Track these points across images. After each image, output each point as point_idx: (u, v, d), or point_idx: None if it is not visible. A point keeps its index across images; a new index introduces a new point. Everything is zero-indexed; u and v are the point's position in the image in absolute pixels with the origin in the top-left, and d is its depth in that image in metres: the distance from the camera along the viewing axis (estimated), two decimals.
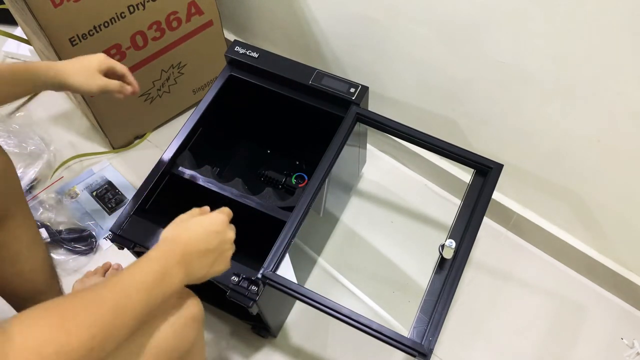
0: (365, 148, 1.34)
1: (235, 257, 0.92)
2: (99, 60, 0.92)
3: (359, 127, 1.08)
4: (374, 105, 1.23)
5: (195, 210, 0.71)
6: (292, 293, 0.84)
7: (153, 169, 1.01)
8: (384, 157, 1.44)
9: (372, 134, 1.40)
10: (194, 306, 0.74)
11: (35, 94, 1.56)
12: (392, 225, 1.32)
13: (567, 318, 1.19)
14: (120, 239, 0.95)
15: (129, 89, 0.98)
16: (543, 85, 0.98)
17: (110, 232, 0.96)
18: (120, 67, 0.97)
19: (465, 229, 0.92)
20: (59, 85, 0.89)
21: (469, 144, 1.22)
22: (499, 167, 0.97)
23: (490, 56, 1.01)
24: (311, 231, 1.12)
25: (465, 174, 1.30)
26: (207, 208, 0.73)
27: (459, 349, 1.15)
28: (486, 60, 1.03)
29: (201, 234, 0.66)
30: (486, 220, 1.34)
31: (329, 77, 1.06)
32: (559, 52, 0.91)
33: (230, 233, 0.70)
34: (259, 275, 0.86)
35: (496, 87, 1.06)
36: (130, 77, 0.99)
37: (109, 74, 0.95)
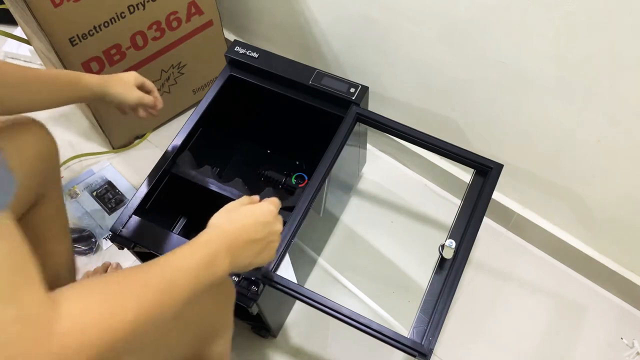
0: (365, 148, 1.34)
1: None
2: (134, 76, 0.99)
3: (359, 127, 1.08)
4: (374, 105, 1.23)
5: (244, 198, 0.70)
6: (292, 293, 0.84)
7: (153, 169, 1.01)
8: (384, 157, 1.44)
9: (372, 134, 1.40)
10: (230, 285, 0.79)
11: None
12: (392, 225, 1.32)
13: (567, 318, 1.19)
14: (120, 238, 0.95)
15: (159, 104, 1.05)
16: (543, 85, 0.98)
17: (110, 232, 0.96)
18: (149, 84, 1.03)
19: (465, 229, 0.92)
20: (101, 94, 0.93)
21: (469, 143, 1.22)
22: (499, 167, 0.97)
23: (490, 56, 1.01)
24: (311, 231, 1.12)
25: (465, 174, 1.30)
26: (256, 197, 0.72)
27: (459, 349, 1.15)
28: (486, 60, 1.03)
29: (250, 224, 0.64)
30: (486, 220, 1.34)
31: (329, 77, 1.06)
32: (558, 52, 0.91)
33: (278, 224, 0.69)
34: (259, 276, 0.86)
35: (496, 87, 1.06)
36: (156, 92, 1.05)
37: (140, 89, 1.01)
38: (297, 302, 1.18)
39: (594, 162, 1.03)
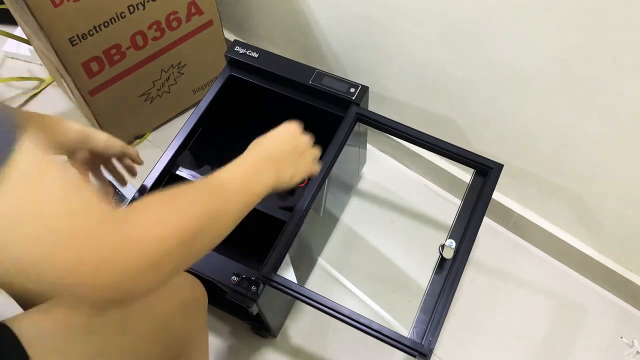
0: (365, 148, 1.34)
1: (234, 257, 0.92)
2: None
3: (359, 127, 1.08)
4: (374, 105, 1.23)
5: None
6: (292, 293, 0.84)
7: (153, 169, 1.01)
8: (384, 157, 1.44)
9: (372, 134, 1.40)
10: (199, 291, 0.77)
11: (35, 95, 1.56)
12: (393, 225, 1.32)
13: (567, 318, 1.19)
14: None
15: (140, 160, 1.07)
16: (543, 85, 0.98)
17: None
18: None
19: (466, 229, 0.92)
20: (85, 137, 0.84)
21: (469, 143, 1.22)
22: (499, 167, 0.97)
23: (490, 56, 1.01)
24: (311, 231, 1.13)
25: (465, 174, 1.30)
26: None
27: (459, 349, 1.15)
28: (486, 60, 1.03)
29: (280, 139, 0.71)
30: (486, 220, 1.34)
31: (329, 77, 1.06)
32: (558, 51, 0.91)
33: (304, 137, 0.74)
34: (259, 275, 0.86)
35: (496, 86, 1.06)
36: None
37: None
38: (297, 302, 1.18)
39: (594, 162, 1.03)
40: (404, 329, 1.13)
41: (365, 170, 1.40)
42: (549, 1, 0.86)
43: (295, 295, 0.84)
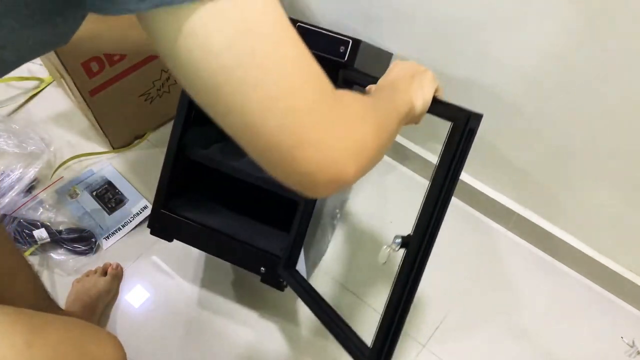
0: None
1: (259, 235, 1.01)
2: None
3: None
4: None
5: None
6: (302, 294, 0.89)
7: (165, 160, 1.04)
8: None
9: None
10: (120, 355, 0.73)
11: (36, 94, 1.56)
12: (392, 225, 1.32)
13: (567, 318, 1.19)
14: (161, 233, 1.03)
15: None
16: (543, 86, 0.98)
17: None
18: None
19: (431, 215, 0.80)
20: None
21: (473, 144, 1.22)
22: (478, 117, 0.71)
23: (491, 56, 1.01)
24: (312, 231, 1.12)
25: (463, 173, 1.30)
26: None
27: (458, 349, 1.15)
28: (485, 60, 1.03)
29: (396, 72, 0.72)
30: (486, 220, 1.34)
31: (314, 32, 0.87)
32: (558, 51, 0.92)
33: (410, 61, 0.74)
34: (280, 271, 0.94)
35: (496, 87, 1.06)
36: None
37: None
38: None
39: (594, 162, 1.03)
40: (403, 330, 1.13)
41: None
42: (549, 1, 0.85)
43: (303, 297, 0.88)
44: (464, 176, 1.31)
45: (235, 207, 1.13)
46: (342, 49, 0.85)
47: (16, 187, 1.31)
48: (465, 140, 0.69)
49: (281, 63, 0.36)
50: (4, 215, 1.25)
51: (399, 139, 1.38)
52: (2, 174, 1.33)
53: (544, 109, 1.03)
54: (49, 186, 1.37)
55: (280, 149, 0.37)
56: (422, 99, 0.68)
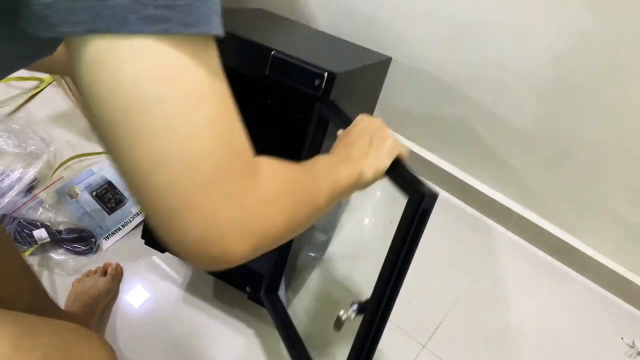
0: None
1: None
2: None
3: None
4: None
5: None
6: (275, 320, 0.93)
7: None
8: None
9: None
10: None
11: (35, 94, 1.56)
12: (392, 225, 1.32)
13: (567, 318, 1.19)
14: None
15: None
16: (543, 86, 0.98)
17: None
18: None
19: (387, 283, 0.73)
20: None
21: (474, 144, 1.22)
22: (433, 197, 0.66)
23: (491, 56, 1.01)
24: (310, 233, 1.12)
25: (464, 174, 1.30)
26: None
27: (458, 349, 1.15)
28: (486, 61, 1.03)
29: (350, 136, 0.68)
30: (486, 220, 1.34)
31: (289, 62, 0.79)
32: (558, 51, 0.92)
33: (374, 121, 0.71)
34: (262, 295, 0.95)
35: (495, 87, 1.06)
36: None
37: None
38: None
39: (594, 162, 1.03)
40: (404, 330, 1.13)
41: None
42: (549, 1, 0.86)
43: (278, 328, 0.93)
44: (463, 175, 1.31)
45: None
46: (317, 82, 0.77)
47: (16, 187, 1.31)
48: (418, 219, 0.65)
49: (191, 121, 0.34)
50: (4, 215, 1.25)
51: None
52: (2, 174, 1.33)
53: (544, 108, 1.03)
54: (49, 186, 1.37)
55: (164, 208, 0.34)
56: (374, 168, 0.65)
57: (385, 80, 1.25)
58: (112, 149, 0.34)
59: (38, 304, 0.98)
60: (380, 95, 1.29)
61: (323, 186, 0.53)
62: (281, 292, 0.99)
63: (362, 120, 0.70)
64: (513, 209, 1.26)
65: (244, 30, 0.88)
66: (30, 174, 1.35)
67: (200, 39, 0.34)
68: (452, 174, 1.31)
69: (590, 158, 1.03)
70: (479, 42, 1.01)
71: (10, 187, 1.31)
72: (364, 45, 1.20)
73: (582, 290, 1.24)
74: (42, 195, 1.34)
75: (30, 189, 1.35)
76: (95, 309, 1.11)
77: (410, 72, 1.18)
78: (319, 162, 0.57)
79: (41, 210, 1.30)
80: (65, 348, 0.65)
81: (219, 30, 0.35)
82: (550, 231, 1.23)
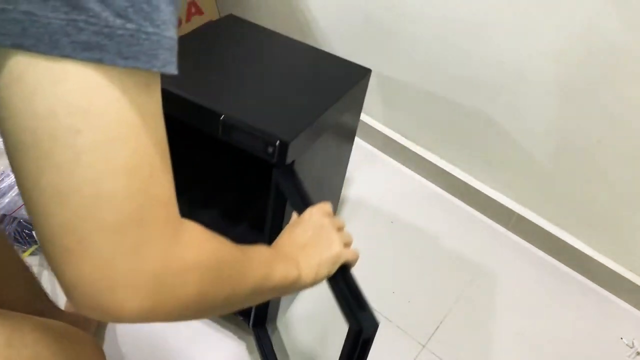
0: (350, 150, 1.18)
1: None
2: None
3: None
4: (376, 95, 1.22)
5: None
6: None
7: None
8: (380, 155, 1.43)
9: (363, 127, 1.40)
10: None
11: None
12: (392, 225, 1.32)
13: (567, 318, 1.19)
14: None
15: None
16: (542, 86, 0.98)
17: None
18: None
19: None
20: None
21: (473, 143, 1.22)
22: (372, 329, 0.61)
23: (491, 56, 1.01)
24: None
25: (459, 171, 1.30)
26: (294, 216, 0.70)
27: (458, 349, 1.15)
28: (485, 60, 1.03)
29: (295, 233, 0.64)
30: (486, 220, 1.34)
31: (239, 127, 0.74)
32: (558, 50, 0.91)
33: (324, 219, 0.66)
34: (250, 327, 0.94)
35: (495, 87, 1.06)
36: None
37: None
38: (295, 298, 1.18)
39: (594, 162, 1.03)
40: (404, 330, 1.13)
41: (360, 169, 1.39)
42: (549, 1, 0.86)
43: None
44: (464, 175, 1.31)
45: None
46: (270, 149, 0.73)
47: (16, 187, 1.31)
48: (360, 350, 0.60)
49: (104, 161, 0.30)
50: (4, 215, 1.25)
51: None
52: (2, 173, 1.33)
53: (545, 108, 1.03)
54: None
55: (59, 245, 0.31)
56: (314, 276, 0.60)
57: (385, 80, 1.25)
58: (16, 169, 0.32)
59: (38, 305, 0.98)
60: (380, 94, 1.29)
61: (252, 275, 0.48)
62: (269, 324, 0.99)
63: (309, 218, 0.65)
64: (513, 209, 1.26)
65: (192, 84, 0.81)
66: None
67: (138, 75, 0.31)
68: (452, 174, 1.32)
69: (591, 158, 1.03)
70: (479, 41, 1.01)
71: (10, 187, 1.31)
72: (366, 42, 1.20)
73: (582, 290, 1.24)
74: None
75: None
76: None
77: (411, 71, 1.18)
78: (257, 251, 0.52)
79: None
80: (56, 346, 0.64)
81: (166, 68, 0.32)
82: (550, 231, 1.23)
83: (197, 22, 1.30)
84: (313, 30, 1.31)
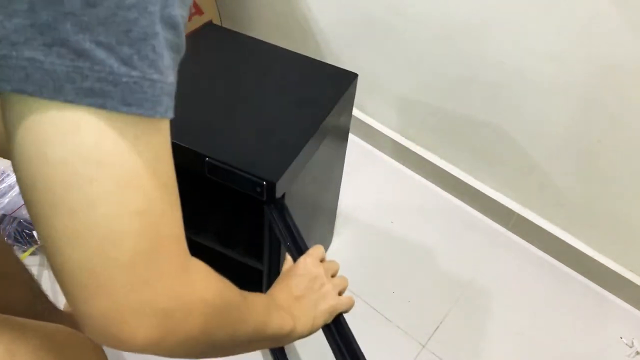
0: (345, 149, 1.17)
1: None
2: None
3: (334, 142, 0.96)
4: (365, 96, 1.22)
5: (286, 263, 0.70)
6: None
7: None
8: (376, 152, 1.43)
9: (359, 125, 1.40)
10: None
11: None
12: (392, 225, 1.32)
13: (567, 318, 1.19)
14: None
15: None
16: (542, 85, 0.98)
17: None
18: None
19: None
20: None
21: (473, 144, 1.22)
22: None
23: (490, 56, 1.01)
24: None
25: (461, 172, 1.30)
26: (288, 259, 0.70)
27: (458, 349, 1.15)
28: (485, 60, 1.03)
29: (290, 285, 0.64)
30: (486, 220, 1.34)
31: (224, 169, 0.75)
32: (558, 50, 0.91)
33: (318, 269, 0.67)
34: None
35: (495, 87, 1.06)
36: None
37: None
38: None
39: (594, 162, 1.03)
40: (402, 329, 1.13)
41: (358, 169, 1.39)
42: (549, 1, 0.86)
43: None
44: (464, 175, 1.31)
45: None
46: (258, 189, 0.74)
47: (16, 187, 1.31)
48: None
49: (117, 204, 0.32)
50: (4, 215, 1.25)
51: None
52: (2, 173, 1.33)
53: (544, 108, 1.03)
54: None
55: (74, 281, 0.33)
56: (310, 327, 0.61)
57: (386, 80, 1.25)
58: (29, 206, 0.33)
59: (37, 307, 0.98)
60: (380, 94, 1.29)
61: (252, 320, 0.50)
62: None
63: (304, 267, 0.66)
64: (513, 209, 1.26)
65: (175, 119, 0.79)
66: None
67: (148, 121, 0.32)
68: (452, 174, 1.32)
69: (591, 158, 1.03)
70: (479, 41, 1.01)
71: (11, 187, 1.31)
72: (366, 42, 1.20)
73: (582, 290, 1.24)
74: None
75: None
76: None
77: (410, 71, 1.18)
78: (256, 298, 0.53)
79: None
80: (57, 352, 0.64)
81: (166, 114, 0.33)
82: (550, 231, 1.23)
83: (197, 22, 1.30)
84: (312, 29, 1.31)
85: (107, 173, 0.31)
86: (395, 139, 1.36)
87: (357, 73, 0.88)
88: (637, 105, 0.89)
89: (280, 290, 0.63)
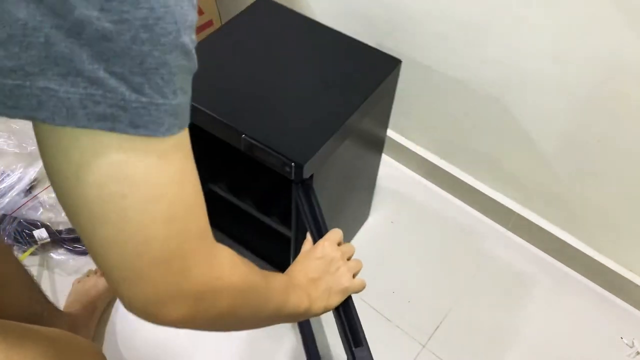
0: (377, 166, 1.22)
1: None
2: None
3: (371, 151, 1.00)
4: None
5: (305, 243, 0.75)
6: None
7: None
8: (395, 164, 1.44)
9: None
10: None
11: None
12: (392, 225, 1.32)
13: (567, 318, 1.19)
14: None
15: None
16: (542, 87, 0.98)
17: None
18: None
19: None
20: None
21: (473, 143, 1.22)
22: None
23: (490, 56, 1.01)
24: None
25: (465, 174, 1.30)
26: (308, 239, 0.75)
27: (458, 349, 1.15)
28: (486, 60, 1.03)
29: (308, 266, 0.68)
30: (486, 220, 1.34)
31: (259, 147, 0.79)
32: (558, 50, 0.91)
33: (335, 253, 0.70)
34: None
35: (494, 87, 1.06)
36: None
37: None
38: None
39: (594, 162, 1.03)
40: (402, 329, 1.13)
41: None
42: (548, 1, 0.85)
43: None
44: (464, 175, 1.31)
45: (236, 239, 1.12)
46: (287, 169, 0.77)
47: (16, 187, 1.31)
48: None
49: (147, 214, 0.36)
50: (4, 215, 1.25)
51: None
52: (2, 174, 1.33)
53: (544, 108, 1.03)
54: (49, 186, 1.37)
55: (117, 276, 0.38)
56: (324, 307, 0.66)
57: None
58: (72, 220, 0.37)
59: (37, 308, 0.98)
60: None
61: (272, 299, 0.56)
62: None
63: (322, 251, 0.69)
64: (513, 209, 1.26)
65: (217, 95, 0.84)
66: (31, 174, 1.35)
67: (155, 139, 0.35)
68: (452, 174, 1.31)
69: (591, 158, 1.03)
70: (478, 41, 1.01)
71: (11, 187, 1.31)
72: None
73: (582, 290, 1.24)
74: (42, 195, 1.34)
75: (30, 189, 1.35)
76: (95, 310, 1.11)
77: (410, 71, 1.18)
78: (277, 278, 0.59)
79: (41, 210, 1.30)
80: (58, 357, 0.65)
81: (169, 131, 0.35)
82: (550, 231, 1.23)
83: (197, 22, 1.30)
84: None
85: (137, 189, 0.35)
86: (395, 139, 1.36)
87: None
88: (637, 105, 0.89)
89: (299, 271, 0.67)
